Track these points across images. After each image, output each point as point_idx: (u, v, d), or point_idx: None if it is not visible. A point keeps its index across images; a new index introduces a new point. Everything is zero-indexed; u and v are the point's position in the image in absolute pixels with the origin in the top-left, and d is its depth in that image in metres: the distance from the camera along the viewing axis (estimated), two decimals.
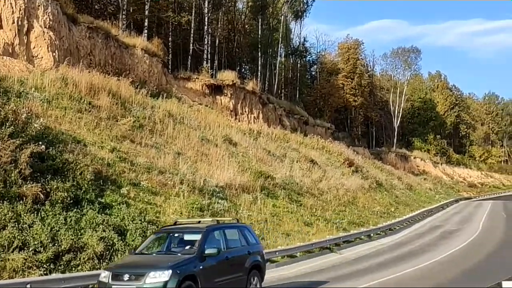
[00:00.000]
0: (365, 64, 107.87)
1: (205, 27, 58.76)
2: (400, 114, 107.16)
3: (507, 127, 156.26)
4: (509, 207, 67.77)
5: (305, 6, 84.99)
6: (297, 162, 46.95)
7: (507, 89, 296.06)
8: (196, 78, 53.07)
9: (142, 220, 21.83)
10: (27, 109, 23.53)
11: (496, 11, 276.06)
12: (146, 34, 48.49)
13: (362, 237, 34.89)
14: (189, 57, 56.33)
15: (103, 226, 19.93)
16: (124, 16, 47.63)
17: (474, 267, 25.04)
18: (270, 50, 75.45)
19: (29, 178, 19.54)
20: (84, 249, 18.63)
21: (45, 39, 32.54)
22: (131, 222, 21.28)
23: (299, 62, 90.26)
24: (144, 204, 23.79)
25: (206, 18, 59.03)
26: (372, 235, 36.29)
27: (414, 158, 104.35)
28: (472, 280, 20.06)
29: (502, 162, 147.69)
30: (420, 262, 25.97)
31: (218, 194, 29.42)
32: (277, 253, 25.43)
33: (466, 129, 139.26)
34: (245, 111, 57.07)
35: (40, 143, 20.99)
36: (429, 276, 22.20)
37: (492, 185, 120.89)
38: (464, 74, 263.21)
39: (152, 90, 40.59)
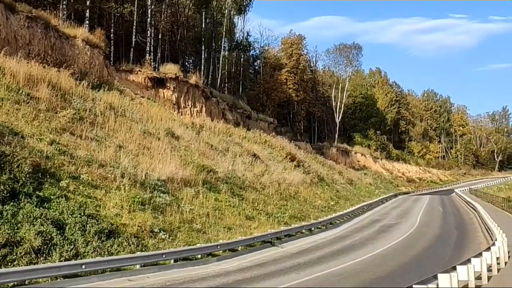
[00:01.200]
0: (308, 60, 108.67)
1: (148, 19, 58.07)
2: (342, 109, 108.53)
3: (445, 124, 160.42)
4: (446, 202, 69.59)
5: (248, 1, 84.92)
6: (239, 156, 46.99)
7: (445, 87, 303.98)
8: (139, 70, 52.48)
9: (82, 214, 21.46)
10: None
11: (435, 10, 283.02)
12: (87, 25, 47.56)
13: (303, 231, 35.19)
14: (132, 49, 55.57)
15: (41, 220, 19.51)
16: (64, 6, 46.60)
17: (411, 260, 25.62)
18: (214, 44, 75.18)
19: None
20: (21, 243, 18.22)
21: None
22: (70, 216, 20.90)
23: (242, 56, 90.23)
24: (84, 198, 23.40)
25: (149, 10, 58.36)
26: (313, 229, 36.64)
27: (355, 153, 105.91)
28: (408, 273, 20.50)
29: (440, 158, 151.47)
30: (360, 255, 26.39)
31: (160, 188, 29.19)
32: (218, 247, 25.42)
33: (405, 125, 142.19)
34: (188, 105, 56.76)
35: None
36: (367, 269, 22.57)
37: (429, 180, 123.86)
38: (404, 71, 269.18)
39: (93, 82, 39.88)
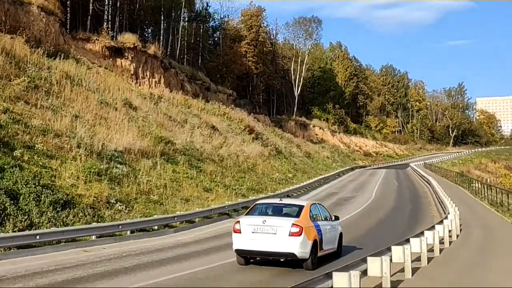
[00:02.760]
0: (268, 32, 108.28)
1: None
2: (301, 83, 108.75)
3: (402, 99, 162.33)
4: (401, 175, 70.73)
5: None
6: (198, 128, 46.85)
7: (403, 62, 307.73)
8: (96, 39, 51.54)
9: (37, 184, 21.14)
10: None
11: None
12: None
13: None
14: (89, 18, 54.50)
15: None
16: None
17: (367, 232, 25.97)
18: (173, 14, 74.22)
19: None
20: None
21: None
22: (24, 186, 20.56)
23: (202, 27, 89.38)
24: (38, 168, 23.06)
25: None
26: None
27: (313, 126, 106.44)
28: (364, 245, 20.80)
29: (396, 133, 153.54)
30: None
31: (116, 159, 28.96)
32: (175, 218, 25.38)
33: (363, 100, 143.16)
34: (146, 75, 56.12)
35: None
36: None
37: (386, 154, 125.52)
38: (363, 46, 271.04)
39: (49, 50, 39.08)
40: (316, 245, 16.25)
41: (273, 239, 15.70)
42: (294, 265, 16.22)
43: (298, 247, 15.62)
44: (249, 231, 15.94)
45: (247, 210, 18.11)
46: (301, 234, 15.63)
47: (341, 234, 18.94)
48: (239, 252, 16.39)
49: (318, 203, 18.78)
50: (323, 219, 17.73)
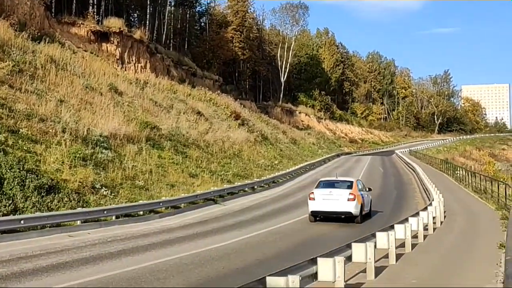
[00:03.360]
0: (254, 18, 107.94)
1: None
2: (287, 69, 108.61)
3: (388, 86, 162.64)
4: (386, 162, 70.96)
5: None
6: (184, 113, 46.72)
7: (390, 49, 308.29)
8: (81, 23, 51.11)
9: (21, 169, 21.01)
10: None
11: None
12: None
13: (246, 189, 35.35)
14: (74, 1, 54.02)
15: None
16: None
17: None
18: None
19: None
20: None
21: None
22: (8, 170, 20.43)
23: (188, 12, 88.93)
24: (23, 152, 22.91)
25: None
26: (256, 187, 36.87)
27: (299, 113, 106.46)
28: (349, 231, 20.92)
29: (382, 120, 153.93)
30: (301, 213, 26.64)
31: (102, 144, 28.83)
32: (161, 204, 25.35)
33: (349, 86, 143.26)
34: (132, 60, 55.81)
35: None
36: (310, 227, 22.89)
37: (371, 141, 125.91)
38: (350, 33, 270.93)
39: (34, 33, 38.72)
40: (362, 207, 23.36)
41: (337, 203, 22.96)
42: (348, 221, 23.17)
43: (354, 207, 22.84)
44: (320, 198, 23.31)
45: (316, 185, 25.35)
46: (354, 199, 22.90)
47: (371, 200, 26.15)
48: (314, 212, 23.62)
49: (359, 180, 27.52)
50: (363, 190, 24.89)
